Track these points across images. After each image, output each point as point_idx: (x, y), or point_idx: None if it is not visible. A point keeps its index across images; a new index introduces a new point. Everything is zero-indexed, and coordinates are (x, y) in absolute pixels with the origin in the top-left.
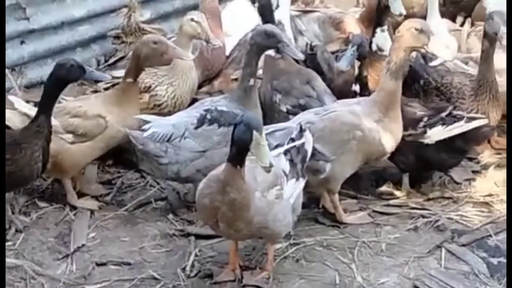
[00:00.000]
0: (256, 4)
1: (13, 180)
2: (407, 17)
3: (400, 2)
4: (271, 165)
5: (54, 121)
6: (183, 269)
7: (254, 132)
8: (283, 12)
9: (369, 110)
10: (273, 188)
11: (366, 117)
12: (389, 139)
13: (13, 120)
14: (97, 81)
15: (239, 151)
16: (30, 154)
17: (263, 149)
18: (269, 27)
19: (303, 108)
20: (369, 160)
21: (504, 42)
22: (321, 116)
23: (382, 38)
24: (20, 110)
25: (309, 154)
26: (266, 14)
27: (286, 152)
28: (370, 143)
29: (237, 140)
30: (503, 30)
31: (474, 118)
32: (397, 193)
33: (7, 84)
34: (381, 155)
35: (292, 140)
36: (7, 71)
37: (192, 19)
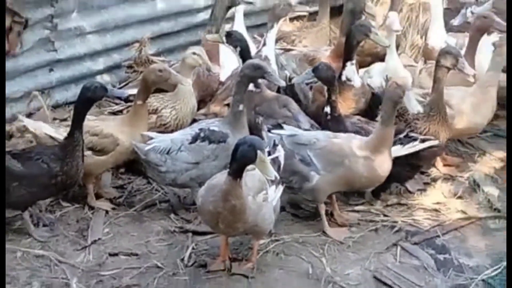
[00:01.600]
0: (238, 49)
1: (65, 186)
2: (371, 55)
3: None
4: (276, 177)
5: None
6: (182, 260)
7: (259, 152)
8: (269, 49)
9: (363, 147)
10: (261, 193)
11: (358, 151)
12: (373, 175)
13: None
14: (118, 98)
15: (240, 167)
16: (76, 165)
17: (267, 165)
18: (256, 61)
19: (281, 127)
20: (353, 188)
21: (467, 70)
22: (327, 137)
23: (351, 70)
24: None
25: (282, 165)
26: (246, 56)
27: None
28: (354, 174)
29: (241, 158)
30: (461, 60)
31: (426, 140)
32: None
33: (37, 104)
34: (363, 187)
35: (269, 153)
36: (38, 93)
37: (193, 53)
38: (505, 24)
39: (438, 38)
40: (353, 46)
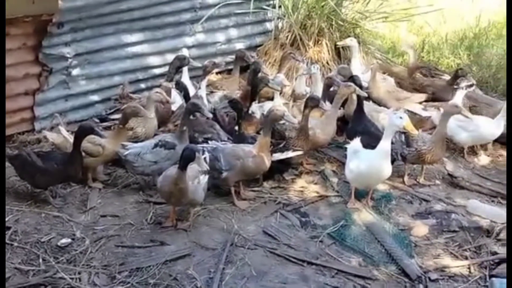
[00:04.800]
0: (182, 93)
1: (68, 178)
2: (265, 97)
3: (276, 83)
4: (206, 170)
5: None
6: (146, 220)
7: (197, 153)
8: (202, 91)
9: (252, 150)
10: (196, 179)
11: (249, 153)
12: (258, 167)
13: (58, 141)
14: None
15: (185, 163)
16: (75, 167)
17: (202, 162)
18: (195, 101)
19: (210, 139)
20: (249, 176)
21: (325, 107)
22: (232, 146)
23: (255, 107)
24: (63, 134)
25: (208, 162)
26: (187, 97)
27: None
28: (247, 167)
29: (186, 157)
30: (321, 102)
31: (296, 150)
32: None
33: (57, 121)
34: (255, 175)
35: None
36: (58, 115)
37: (157, 92)
38: (339, 80)
39: (302, 88)
40: (256, 91)
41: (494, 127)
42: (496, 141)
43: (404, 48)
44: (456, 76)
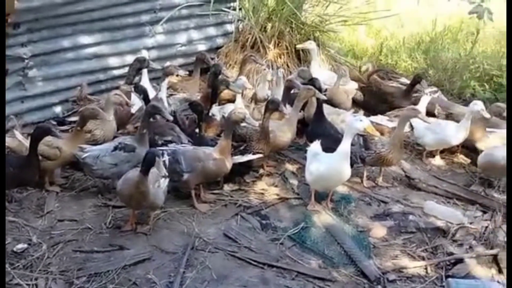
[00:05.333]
0: (141, 95)
1: (24, 182)
2: (226, 99)
3: (237, 85)
4: (166, 175)
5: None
6: (105, 223)
7: (157, 158)
8: (162, 94)
9: (213, 152)
10: (156, 183)
11: (210, 156)
12: (219, 169)
13: (13, 144)
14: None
15: (148, 167)
16: (31, 170)
17: (162, 167)
18: (155, 103)
19: (170, 141)
20: (209, 179)
21: (285, 110)
22: (193, 148)
23: (216, 110)
24: (18, 137)
25: (167, 165)
26: (146, 100)
27: None
28: (208, 170)
29: (147, 162)
30: (281, 105)
31: (256, 153)
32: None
33: (12, 123)
34: (216, 177)
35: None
36: (13, 117)
37: (116, 94)
38: (299, 83)
39: (264, 92)
40: (217, 93)
41: (459, 131)
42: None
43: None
44: (413, 82)
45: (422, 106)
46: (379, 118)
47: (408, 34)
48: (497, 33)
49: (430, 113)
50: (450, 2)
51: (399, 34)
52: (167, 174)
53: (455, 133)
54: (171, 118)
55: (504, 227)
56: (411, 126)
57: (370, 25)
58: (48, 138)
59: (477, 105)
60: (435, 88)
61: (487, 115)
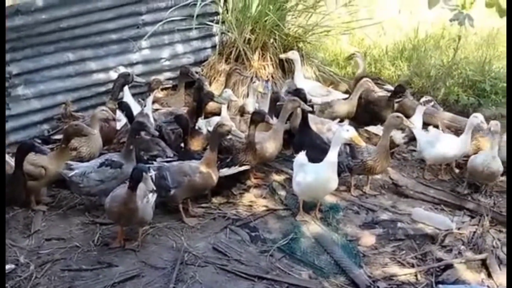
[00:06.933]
0: (125, 112)
1: (11, 201)
2: (211, 112)
3: (223, 97)
4: (153, 189)
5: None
6: (93, 241)
7: (144, 174)
8: (148, 109)
9: (199, 166)
10: (145, 198)
11: (196, 169)
12: (206, 182)
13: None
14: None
15: (135, 183)
16: (18, 189)
17: (149, 182)
18: (141, 120)
19: (157, 156)
20: (196, 192)
21: (271, 121)
22: (178, 162)
23: (201, 123)
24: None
25: (154, 180)
26: (129, 116)
27: None
28: (194, 183)
29: (135, 178)
30: (267, 116)
31: (243, 165)
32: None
33: None
34: (203, 190)
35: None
36: None
37: (102, 110)
38: (284, 96)
39: (250, 104)
40: (202, 106)
41: (460, 145)
42: None
43: (356, 58)
44: (395, 92)
45: (418, 117)
46: (375, 128)
47: (391, 42)
48: (479, 39)
49: (428, 125)
50: (431, 10)
51: (382, 43)
52: (155, 188)
53: (455, 148)
54: (156, 133)
55: (492, 231)
56: (411, 140)
57: (353, 34)
58: (34, 157)
59: (477, 118)
60: (429, 97)
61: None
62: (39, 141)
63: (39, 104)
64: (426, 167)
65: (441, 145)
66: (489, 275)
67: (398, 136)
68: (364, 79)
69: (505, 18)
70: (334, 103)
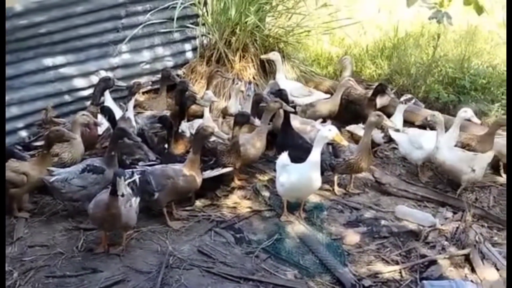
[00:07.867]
0: (107, 117)
1: None
2: (193, 115)
3: (204, 99)
4: (123, 194)
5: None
6: (77, 247)
7: (117, 178)
8: (129, 113)
9: (182, 169)
10: (128, 202)
11: (179, 172)
12: (190, 185)
13: None
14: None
15: (115, 189)
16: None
17: (122, 187)
18: (123, 126)
19: (139, 160)
20: (180, 195)
21: (256, 123)
22: (162, 166)
23: (184, 126)
24: None
25: (138, 184)
26: (112, 121)
27: (129, 184)
28: (177, 186)
29: (113, 183)
30: (252, 118)
31: (226, 167)
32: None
33: None
34: (186, 193)
35: (130, 177)
36: None
37: (83, 114)
38: (267, 97)
39: (236, 106)
40: (185, 109)
41: (448, 141)
42: None
43: (345, 61)
44: (376, 91)
45: (398, 116)
46: (355, 128)
47: (371, 42)
48: (457, 37)
49: (408, 123)
50: (410, 8)
51: (362, 42)
52: (125, 193)
53: (444, 143)
54: (139, 139)
55: (474, 226)
56: (391, 140)
57: (333, 34)
58: (15, 164)
59: (467, 112)
60: (409, 96)
61: (478, 121)
62: (20, 147)
63: (19, 110)
64: (419, 168)
65: (428, 144)
66: (473, 270)
67: (378, 136)
68: (346, 78)
69: (483, 15)
70: (316, 103)
